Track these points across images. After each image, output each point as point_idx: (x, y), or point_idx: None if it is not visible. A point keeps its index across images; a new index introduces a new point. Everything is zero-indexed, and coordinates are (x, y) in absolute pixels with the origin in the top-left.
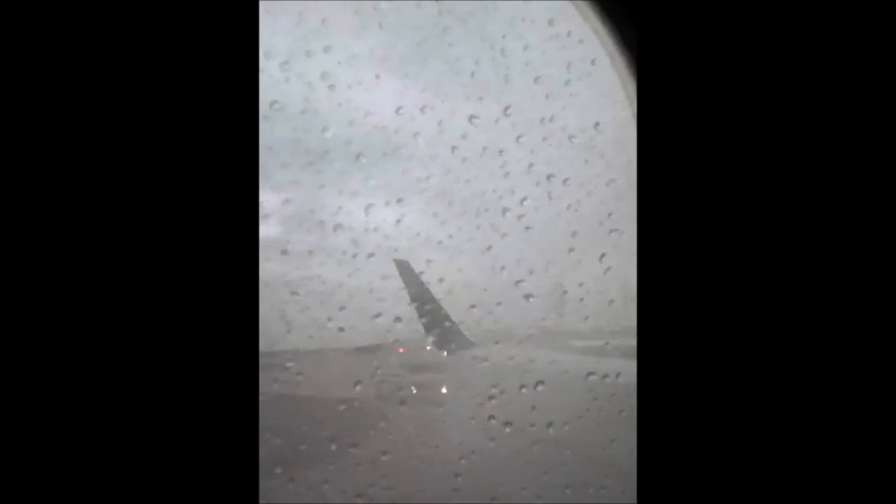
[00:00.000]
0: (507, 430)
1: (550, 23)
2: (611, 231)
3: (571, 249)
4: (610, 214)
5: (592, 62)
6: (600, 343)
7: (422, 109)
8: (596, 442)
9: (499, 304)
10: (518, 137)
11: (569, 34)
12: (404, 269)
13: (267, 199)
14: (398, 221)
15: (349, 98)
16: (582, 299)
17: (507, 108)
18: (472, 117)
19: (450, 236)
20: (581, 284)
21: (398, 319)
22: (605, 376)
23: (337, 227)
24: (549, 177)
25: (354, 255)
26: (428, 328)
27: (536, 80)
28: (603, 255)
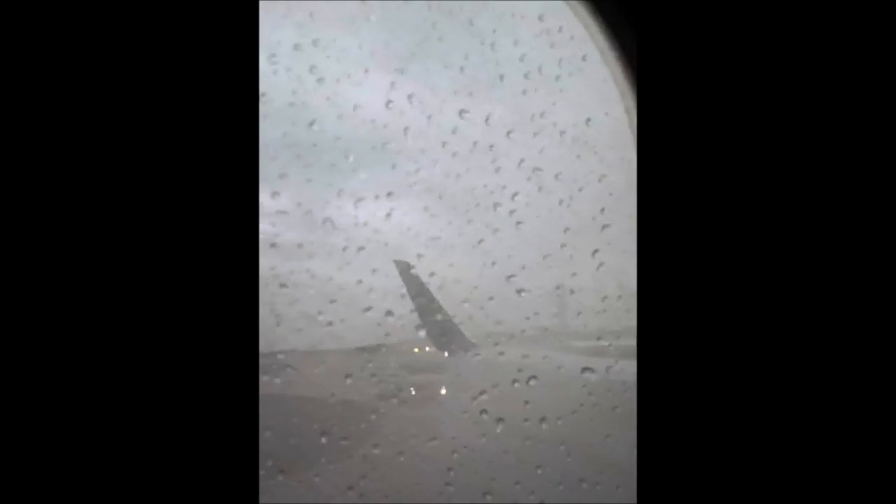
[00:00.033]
0: (500, 425)
1: (541, 18)
2: (603, 227)
3: (564, 245)
4: (602, 210)
5: (583, 58)
6: (602, 344)
7: (411, 104)
8: (590, 438)
9: (490, 298)
10: (509, 133)
11: (559, 30)
12: (405, 270)
13: None
14: (388, 216)
15: (338, 92)
16: (572, 291)
17: (497, 104)
18: (462, 112)
19: (440, 231)
20: (574, 276)
21: (389, 313)
22: (596, 371)
23: (326, 220)
24: (540, 172)
25: (344, 249)
26: (429, 330)
27: (527, 75)
28: (596, 251)
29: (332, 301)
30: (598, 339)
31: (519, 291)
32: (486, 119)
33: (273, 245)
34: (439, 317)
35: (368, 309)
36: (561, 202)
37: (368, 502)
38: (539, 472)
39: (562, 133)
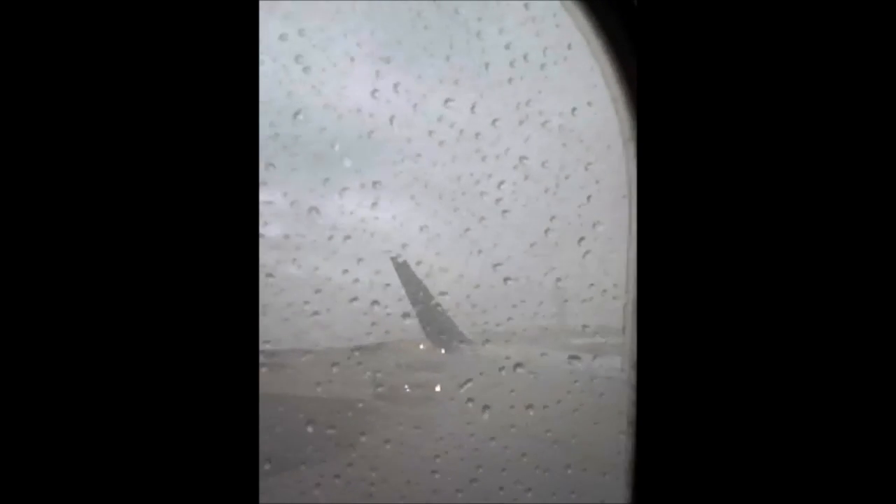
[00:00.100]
0: (486, 413)
1: (526, 6)
2: (590, 215)
3: (549, 232)
4: (589, 197)
5: (569, 46)
6: (599, 340)
7: (397, 93)
8: (576, 426)
9: (476, 286)
10: (494, 121)
11: (545, 18)
12: (402, 269)
13: None
14: (374, 205)
15: (323, 81)
16: (559, 279)
17: (483, 92)
18: (447, 100)
19: (426, 220)
20: (561, 265)
21: (375, 303)
22: (582, 360)
23: (312, 209)
24: (526, 160)
25: (330, 238)
26: (427, 328)
27: (512, 63)
28: (581, 239)
29: (318, 291)
30: (595, 335)
31: (506, 280)
32: (472, 107)
33: (259, 235)
34: (439, 317)
35: (354, 299)
36: (547, 190)
37: (354, 491)
38: (525, 459)
39: (547, 121)
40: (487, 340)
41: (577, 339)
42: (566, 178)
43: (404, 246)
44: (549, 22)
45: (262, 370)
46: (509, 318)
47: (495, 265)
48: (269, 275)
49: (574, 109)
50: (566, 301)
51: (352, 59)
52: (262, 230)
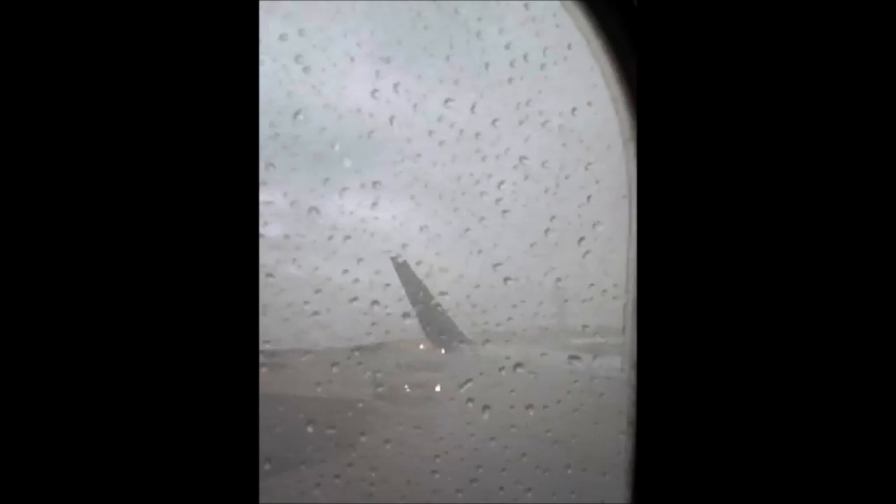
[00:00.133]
0: (486, 413)
1: (526, 6)
2: (590, 215)
3: (549, 232)
4: (589, 197)
5: (569, 46)
6: (599, 340)
7: (397, 93)
8: (576, 426)
9: (476, 286)
10: (494, 121)
11: (545, 18)
12: (402, 269)
13: None
14: (374, 204)
15: (323, 81)
16: (559, 279)
17: (482, 92)
18: (447, 100)
19: (426, 220)
20: (560, 265)
21: (375, 303)
22: (582, 360)
23: (312, 209)
24: (526, 160)
25: (330, 238)
26: (427, 328)
27: (512, 63)
28: (581, 239)
29: (318, 291)
30: (595, 335)
31: (506, 280)
32: (472, 107)
33: (259, 235)
34: (439, 317)
35: (354, 299)
36: (547, 190)
37: (354, 491)
38: (525, 459)
39: (547, 121)
40: (487, 340)
41: (577, 339)
42: (566, 178)
43: (404, 246)
44: (549, 22)
45: (262, 370)
46: (509, 318)
47: (495, 265)
48: (269, 275)
49: (574, 109)
50: (566, 301)
51: (352, 59)
52: (262, 230)
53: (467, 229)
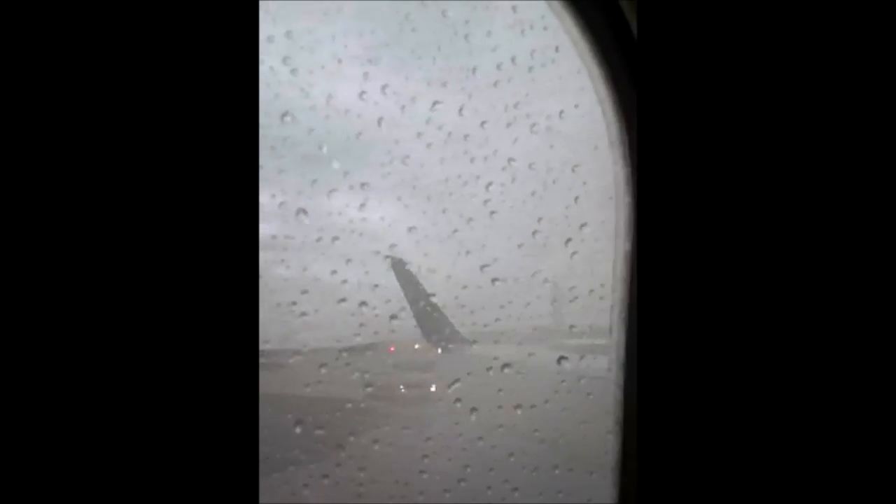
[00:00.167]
0: (474, 414)
1: (514, 9)
2: (577, 216)
3: (537, 233)
4: (576, 199)
5: (556, 49)
6: (597, 342)
7: (385, 95)
8: (563, 425)
9: (465, 287)
10: (482, 123)
11: (533, 21)
12: (398, 266)
13: None
14: (362, 206)
15: (311, 83)
16: (546, 280)
17: (471, 94)
18: (435, 103)
19: (415, 221)
20: (548, 266)
21: (363, 304)
22: (570, 360)
23: (300, 211)
24: (514, 162)
25: (318, 240)
26: (424, 329)
27: (500, 66)
28: (569, 240)
29: (305, 292)
30: (583, 335)
31: (493, 280)
32: (460, 110)
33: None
34: (433, 316)
35: (343, 300)
36: (534, 192)
37: (343, 491)
38: (512, 459)
39: (535, 123)
40: (475, 341)
41: (565, 340)
42: (553, 180)
43: (392, 247)
44: (537, 24)
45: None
46: (497, 319)
47: (483, 266)
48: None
49: (561, 112)
50: (554, 301)
51: (339, 61)
52: None
53: (455, 230)
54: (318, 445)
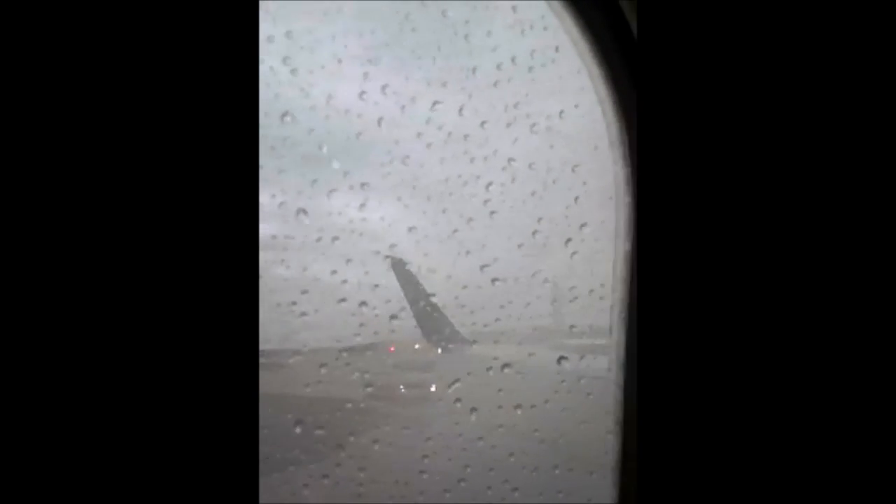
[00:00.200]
0: (474, 414)
1: (514, 9)
2: (577, 216)
3: (537, 233)
4: (576, 199)
5: (556, 49)
6: (598, 341)
7: (385, 95)
8: (563, 425)
9: (465, 287)
10: (482, 123)
11: (533, 20)
12: (399, 267)
13: None
14: (362, 206)
15: (311, 83)
16: (545, 280)
17: (471, 94)
18: (435, 103)
19: (415, 221)
20: (548, 266)
21: (363, 304)
22: (570, 360)
23: (300, 211)
24: (514, 162)
25: (318, 240)
26: (424, 329)
27: (500, 66)
28: (568, 240)
29: (305, 292)
30: (583, 335)
31: (493, 280)
32: (460, 110)
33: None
34: (434, 315)
35: (343, 300)
36: (534, 192)
37: (343, 491)
38: (511, 459)
39: (535, 123)
40: (475, 341)
41: (565, 340)
42: (553, 180)
43: (392, 247)
44: (537, 24)
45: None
46: (497, 319)
47: (483, 266)
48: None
49: (561, 111)
50: (554, 301)
51: (339, 61)
52: None
53: (455, 231)
54: (318, 445)
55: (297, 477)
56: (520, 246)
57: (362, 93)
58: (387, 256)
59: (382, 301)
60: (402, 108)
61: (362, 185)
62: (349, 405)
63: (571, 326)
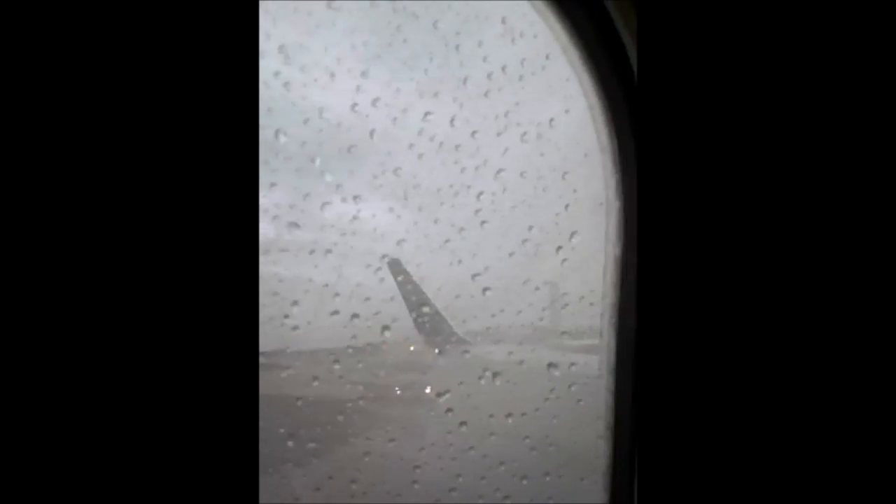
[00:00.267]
0: (465, 424)
1: (504, 20)
2: (568, 224)
3: (528, 241)
4: (567, 206)
5: (546, 57)
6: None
7: (376, 107)
8: (554, 431)
9: (457, 296)
10: (473, 133)
11: (522, 30)
12: (395, 267)
13: None
14: (354, 218)
15: (304, 96)
16: (537, 288)
17: (462, 104)
18: (427, 114)
19: (406, 232)
20: (538, 273)
21: (355, 316)
22: (559, 366)
23: (292, 224)
24: (504, 171)
25: (311, 252)
26: (423, 330)
27: (490, 76)
28: (559, 248)
29: (295, 303)
30: (575, 340)
31: (485, 290)
32: (451, 120)
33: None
34: (431, 321)
35: (335, 313)
36: (525, 200)
37: (344, 492)
38: (502, 467)
39: (525, 132)
40: (466, 351)
41: (559, 344)
42: (544, 188)
43: (383, 258)
44: (527, 33)
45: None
46: (488, 328)
47: (475, 275)
48: None
49: (552, 120)
50: (545, 309)
51: (332, 75)
52: None
53: (447, 240)
54: (318, 446)
55: (298, 477)
56: (511, 254)
57: (354, 105)
58: (383, 256)
59: (379, 302)
60: (394, 120)
61: (354, 197)
62: (349, 404)
63: (562, 332)
